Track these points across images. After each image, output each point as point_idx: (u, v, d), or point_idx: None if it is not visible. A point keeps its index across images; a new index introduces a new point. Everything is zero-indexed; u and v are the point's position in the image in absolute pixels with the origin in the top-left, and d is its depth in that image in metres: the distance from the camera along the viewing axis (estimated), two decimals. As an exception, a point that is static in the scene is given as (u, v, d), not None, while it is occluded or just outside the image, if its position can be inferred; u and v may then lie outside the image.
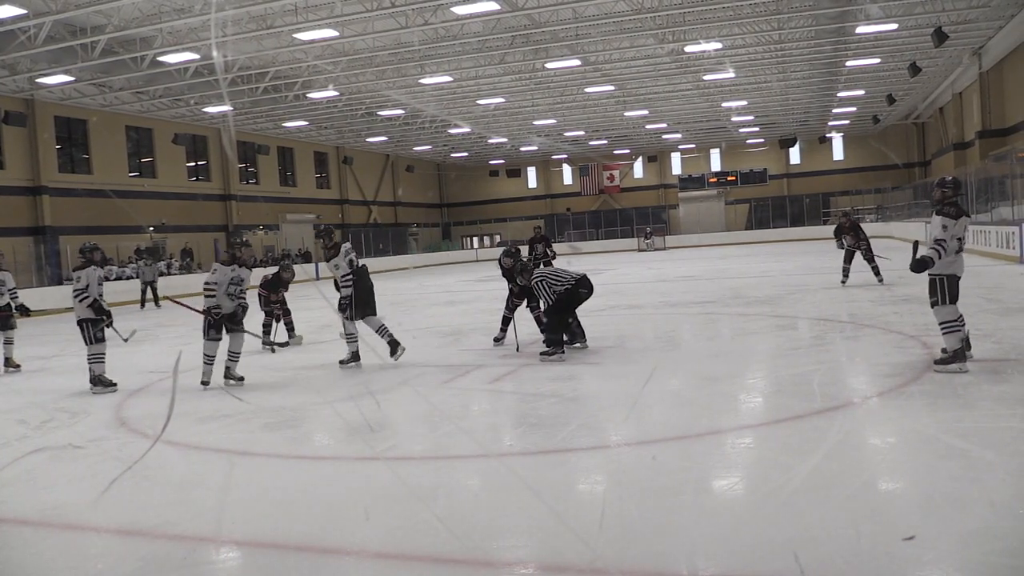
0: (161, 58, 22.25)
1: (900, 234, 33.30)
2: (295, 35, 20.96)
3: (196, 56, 22.60)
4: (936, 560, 3.09)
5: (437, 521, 3.80)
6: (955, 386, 5.79)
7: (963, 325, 6.27)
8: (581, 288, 8.32)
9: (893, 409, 5.40)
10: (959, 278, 6.28)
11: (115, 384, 8.04)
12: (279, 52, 23.47)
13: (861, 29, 23.70)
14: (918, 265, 6.18)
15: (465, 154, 48.40)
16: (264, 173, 37.58)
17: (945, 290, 6.20)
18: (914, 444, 4.65)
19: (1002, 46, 26.66)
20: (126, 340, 9.37)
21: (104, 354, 8.11)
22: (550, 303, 8.27)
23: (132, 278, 24.30)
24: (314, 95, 28.90)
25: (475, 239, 53.22)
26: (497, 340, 9.51)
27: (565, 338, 8.42)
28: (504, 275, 9.43)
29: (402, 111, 33.68)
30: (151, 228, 30.15)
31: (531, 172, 53.99)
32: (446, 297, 18.37)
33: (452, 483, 4.57)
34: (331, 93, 28.70)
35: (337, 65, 25.28)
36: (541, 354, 8.22)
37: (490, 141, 43.73)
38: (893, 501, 3.81)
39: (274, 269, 11.48)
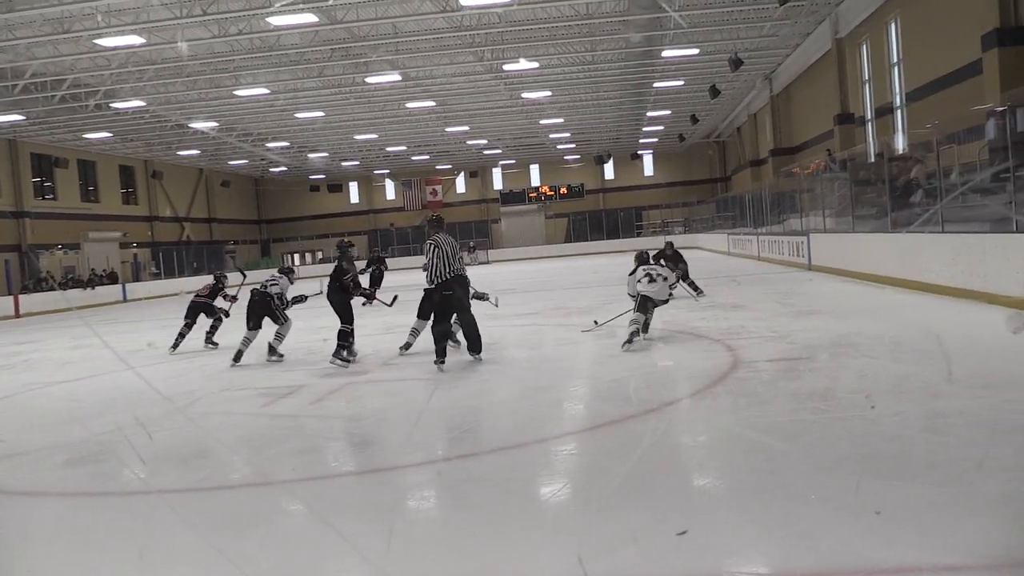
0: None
1: (706, 244, 35.69)
2: (96, 41, 19.57)
3: (-22, 59, 20.66)
4: (741, 548, 3.32)
5: (256, 550, 3.65)
6: (755, 385, 6.26)
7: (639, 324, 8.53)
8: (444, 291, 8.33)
9: (702, 409, 5.76)
10: (648, 297, 8.77)
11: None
12: (79, 59, 21.87)
13: (667, 53, 25.22)
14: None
15: (284, 169, 47.02)
16: (62, 188, 34.69)
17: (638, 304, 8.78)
18: (721, 441, 4.98)
19: (789, 72, 29.32)
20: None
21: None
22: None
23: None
24: (118, 105, 27.11)
25: (296, 256, 51.76)
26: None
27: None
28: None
29: (216, 123, 32.27)
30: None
31: (353, 187, 53.29)
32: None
33: (276, 510, 4.41)
34: (137, 103, 27.04)
35: (144, 74, 23.87)
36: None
37: (310, 155, 42.77)
38: (702, 496, 4.06)
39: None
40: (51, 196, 34.08)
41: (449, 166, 50.95)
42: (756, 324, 9.70)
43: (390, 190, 53.42)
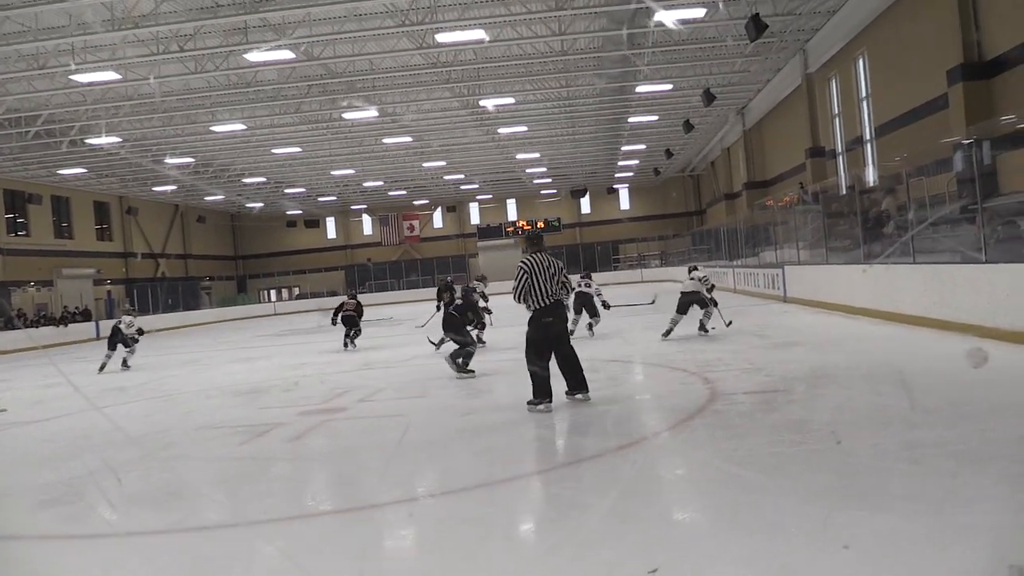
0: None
1: (682, 278, 35.76)
2: (72, 76, 19.52)
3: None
4: (722, 583, 3.30)
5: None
6: (733, 418, 6.26)
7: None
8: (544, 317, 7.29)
9: (680, 442, 5.75)
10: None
11: None
12: (54, 94, 21.79)
13: (641, 88, 25.57)
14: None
15: (260, 204, 46.90)
16: (36, 224, 34.35)
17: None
18: (699, 474, 4.96)
19: (761, 107, 29.80)
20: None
21: None
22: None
23: None
24: (93, 141, 26.98)
25: (272, 292, 51.48)
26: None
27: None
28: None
29: (192, 159, 32.18)
30: None
31: (330, 222, 53.26)
32: (243, 353, 17.56)
33: (251, 553, 4.33)
34: (113, 139, 26.93)
35: (120, 110, 23.81)
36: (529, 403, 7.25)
37: (287, 191, 42.72)
38: (681, 531, 4.03)
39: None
40: (24, 232, 33.73)
41: (426, 201, 51.09)
42: (733, 356, 9.72)
43: (367, 225, 53.42)
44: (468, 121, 29.69)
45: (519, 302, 7.33)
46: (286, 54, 19.16)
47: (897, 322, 11.27)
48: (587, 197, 48.95)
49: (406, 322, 22.31)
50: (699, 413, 6.51)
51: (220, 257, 51.05)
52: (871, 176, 18.86)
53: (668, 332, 11.93)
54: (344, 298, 16.25)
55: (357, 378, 10.98)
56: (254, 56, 19.15)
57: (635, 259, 48.47)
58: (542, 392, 7.07)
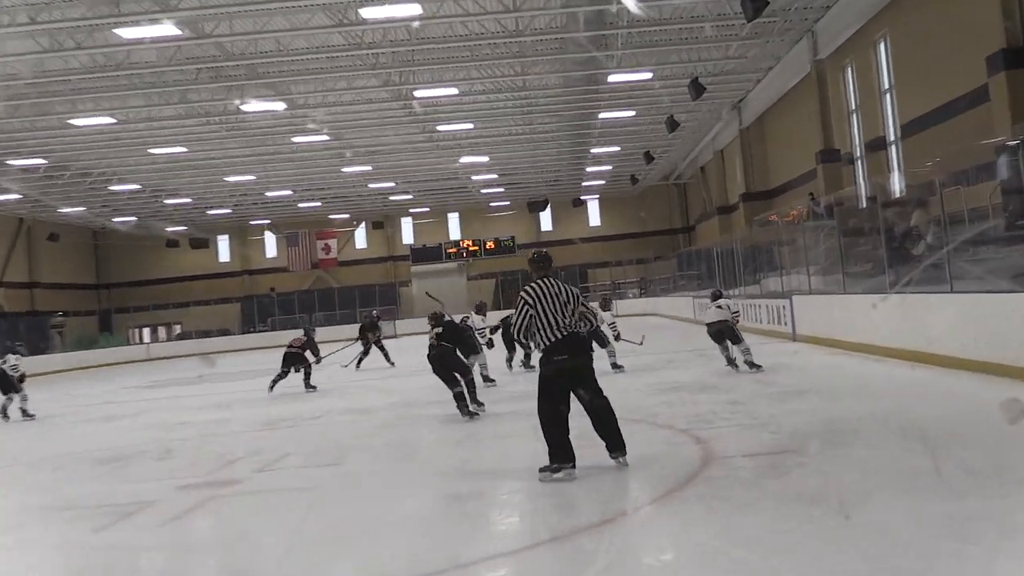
0: None
1: (666, 310, 36.08)
2: None
3: None
4: None
5: None
6: (732, 487, 6.23)
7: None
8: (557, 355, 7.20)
9: (668, 517, 5.70)
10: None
11: None
12: None
13: (614, 77, 25.84)
14: None
15: (133, 218, 46.12)
16: None
17: None
18: (694, 559, 4.89)
19: (761, 101, 30.33)
20: None
21: None
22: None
23: None
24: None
25: (146, 331, 50.61)
26: None
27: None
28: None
29: (44, 160, 31.60)
30: None
31: (223, 242, 52.76)
32: (105, 411, 17.14)
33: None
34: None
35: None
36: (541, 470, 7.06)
37: (167, 202, 42.18)
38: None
39: None
40: None
41: (347, 215, 50.90)
42: (731, 409, 9.74)
43: (271, 246, 52.99)
44: (400, 116, 29.71)
45: (521, 340, 7.22)
46: (169, 29, 18.96)
47: (931, 364, 11.40)
48: (548, 211, 49.23)
49: (321, 368, 22.00)
50: (690, 482, 6.47)
51: (78, 286, 49.97)
52: (897, 185, 19.22)
53: (731, 361, 13.42)
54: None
55: (254, 440, 10.77)
56: (127, 32, 18.92)
57: (608, 288, 48.78)
58: (560, 454, 6.90)
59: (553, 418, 6.98)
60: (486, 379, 13.98)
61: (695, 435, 8.34)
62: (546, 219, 51.44)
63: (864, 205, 19.58)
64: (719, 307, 13.37)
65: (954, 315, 11.06)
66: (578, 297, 7.36)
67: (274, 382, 16.28)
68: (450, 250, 50.57)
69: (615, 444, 7.14)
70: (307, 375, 16.57)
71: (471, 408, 10.78)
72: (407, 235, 52.94)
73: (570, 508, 6.13)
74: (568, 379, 7.12)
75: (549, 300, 7.16)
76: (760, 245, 24.03)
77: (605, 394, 7.19)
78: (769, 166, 31.78)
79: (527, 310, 7.18)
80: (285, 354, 16.57)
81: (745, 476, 6.54)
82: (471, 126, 31.57)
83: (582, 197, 49.93)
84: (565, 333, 7.13)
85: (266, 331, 45.35)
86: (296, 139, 31.23)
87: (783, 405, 9.75)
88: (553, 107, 30.64)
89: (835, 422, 8.30)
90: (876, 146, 21.77)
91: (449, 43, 22.73)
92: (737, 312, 13.50)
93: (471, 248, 50.54)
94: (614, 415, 7.21)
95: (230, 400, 15.74)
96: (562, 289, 7.28)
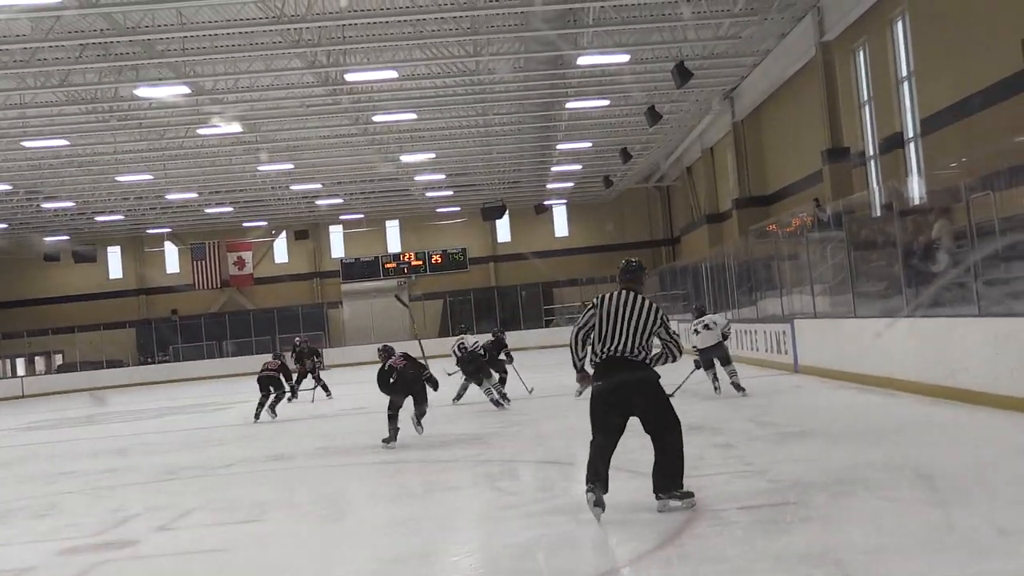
0: None
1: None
2: None
3: None
4: None
5: None
6: (723, 545, 6.29)
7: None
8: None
9: (647, 584, 5.74)
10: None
11: None
12: None
13: (584, 60, 25.90)
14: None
15: (3, 226, 45.53)
16: None
17: None
18: (676, 633, 4.96)
19: (757, 89, 30.52)
20: None
21: None
22: None
23: None
24: None
25: (20, 361, 49.93)
26: None
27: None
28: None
29: None
30: None
31: (114, 255, 52.21)
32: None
33: None
34: None
35: None
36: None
37: (44, 206, 41.71)
38: None
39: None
40: None
41: (264, 223, 50.54)
42: (722, 454, 9.83)
43: (172, 259, 52.56)
44: (328, 105, 29.62)
45: (575, 347, 7.47)
46: (46, -3, 18.86)
47: (955, 400, 11.56)
48: (506, 218, 49.05)
49: (235, 405, 21.90)
50: (674, 539, 6.52)
51: (-65, 309, 49.40)
52: (916, 190, 19.42)
53: (715, 382, 14.78)
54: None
55: (153, 494, 10.69)
56: (-6, 0, 18.79)
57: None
58: (590, 473, 7.17)
59: (591, 445, 7.31)
60: (498, 401, 16.50)
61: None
62: (503, 228, 51.40)
63: (878, 213, 19.80)
64: (708, 326, 13.83)
65: (982, 342, 11.20)
66: (659, 322, 7.44)
67: (259, 409, 18.01)
68: (388, 265, 50.43)
69: (671, 482, 7.29)
70: (277, 400, 18.49)
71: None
72: (337, 247, 52.70)
73: (531, 573, 6.16)
74: (611, 410, 7.33)
75: (614, 309, 7.33)
76: (756, 260, 24.15)
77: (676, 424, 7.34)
78: (767, 167, 32.00)
79: (591, 313, 7.43)
80: (260, 378, 18.50)
81: (738, 533, 6.61)
82: (414, 116, 31.42)
83: (546, 203, 49.93)
84: (611, 354, 7.29)
85: (167, 361, 45.04)
86: (202, 131, 31.00)
87: (783, 449, 9.85)
88: (512, 95, 30.64)
89: (843, 470, 8.38)
90: (892, 144, 21.94)
91: (388, 17, 22.67)
92: (728, 326, 13.69)
93: (414, 263, 50.43)
94: (675, 451, 7.32)
95: (124, 445, 15.58)
96: (641, 306, 7.37)
